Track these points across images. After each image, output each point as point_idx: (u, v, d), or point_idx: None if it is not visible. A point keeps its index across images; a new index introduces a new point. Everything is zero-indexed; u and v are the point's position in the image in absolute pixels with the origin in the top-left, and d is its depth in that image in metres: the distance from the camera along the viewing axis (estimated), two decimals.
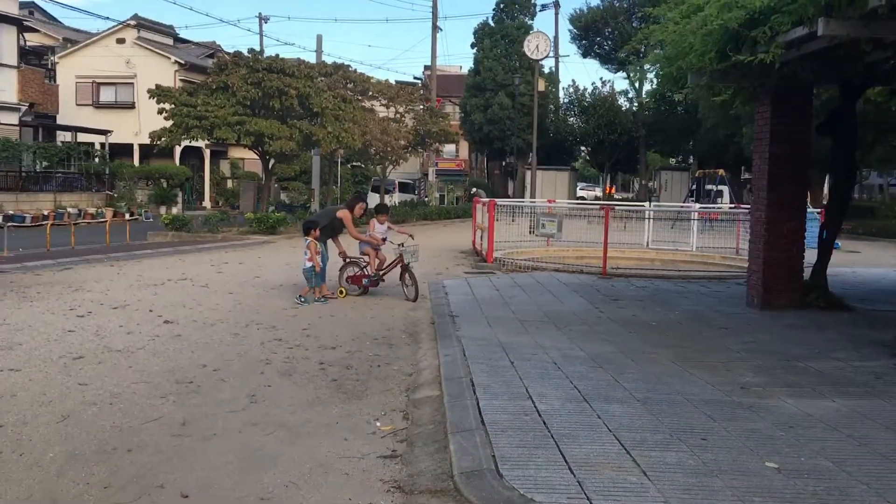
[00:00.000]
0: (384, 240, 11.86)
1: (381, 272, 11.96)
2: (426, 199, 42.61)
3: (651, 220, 21.00)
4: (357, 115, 26.58)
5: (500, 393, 6.09)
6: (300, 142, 24.24)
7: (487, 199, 17.60)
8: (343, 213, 11.83)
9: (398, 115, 33.23)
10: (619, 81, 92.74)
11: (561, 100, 54.03)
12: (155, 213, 33.81)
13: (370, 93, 31.17)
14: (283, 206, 31.81)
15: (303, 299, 11.17)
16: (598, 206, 21.10)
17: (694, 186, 35.96)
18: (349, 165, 42.70)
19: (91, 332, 8.84)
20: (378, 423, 5.74)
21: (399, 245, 11.57)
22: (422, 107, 34.92)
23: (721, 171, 34.90)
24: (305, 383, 6.87)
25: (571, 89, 53.84)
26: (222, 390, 6.59)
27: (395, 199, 41.74)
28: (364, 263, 11.94)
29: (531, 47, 28.44)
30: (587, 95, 51.64)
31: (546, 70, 52.10)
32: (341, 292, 11.82)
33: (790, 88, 10.34)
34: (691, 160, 57.98)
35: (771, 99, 10.52)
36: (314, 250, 11.30)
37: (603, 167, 55.41)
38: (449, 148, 57.26)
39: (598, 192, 71.88)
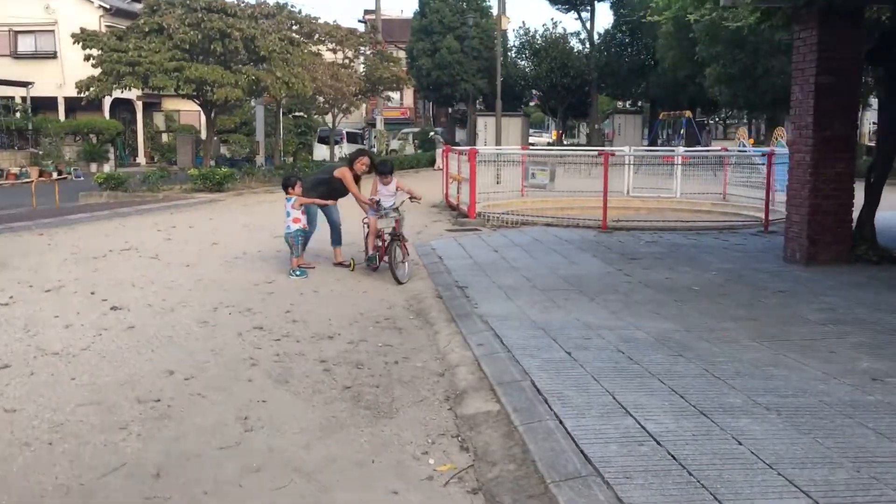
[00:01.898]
0: (394, 207, 9.32)
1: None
2: (375, 149, 40.54)
3: (630, 167, 19.64)
4: (306, 59, 24.42)
5: (582, 406, 4.55)
6: (246, 89, 22.07)
7: (467, 148, 15.89)
8: (342, 172, 9.89)
9: (346, 60, 31.00)
10: (570, 22, 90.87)
11: (511, 42, 52.12)
12: (85, 171, 31.18)
13: (317, 36, 28.85)
14: (225, 160, 29.55)
15: (299, 272, 9.44)
16: (579, 153, 19.63)
17: (682, 130, 34.37)
18: (291, 116, 40.25)
19: (18, 326, 7.00)
20: (430, 460, 4.17)
21: (387, 209, 9.33)
22: (371, 51, 32.67)
23: (687, 113, 33.75)
24: (310, 394, 5.24)
25: (522, 31, 51.91)
26: (202, 411, 4.91)
27: (343, 149, 39.66)
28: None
29: None
30: (538, 38, 49.76)
31: (494, 12, 50.02)
32: (348, 264, 9.92)
33: (840, 7, 8.90)
34: (639, 103, 56.97)
35: (818, 21, 9.05)
36: (299, 209, 9.58)
37: (555, 112, 53.90)
38: (393, 96, 55.00)
39: (547, 137, 70.67)
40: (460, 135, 59.12)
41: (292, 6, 26.29)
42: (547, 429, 4.21)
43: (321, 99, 30.49)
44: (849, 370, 5.32)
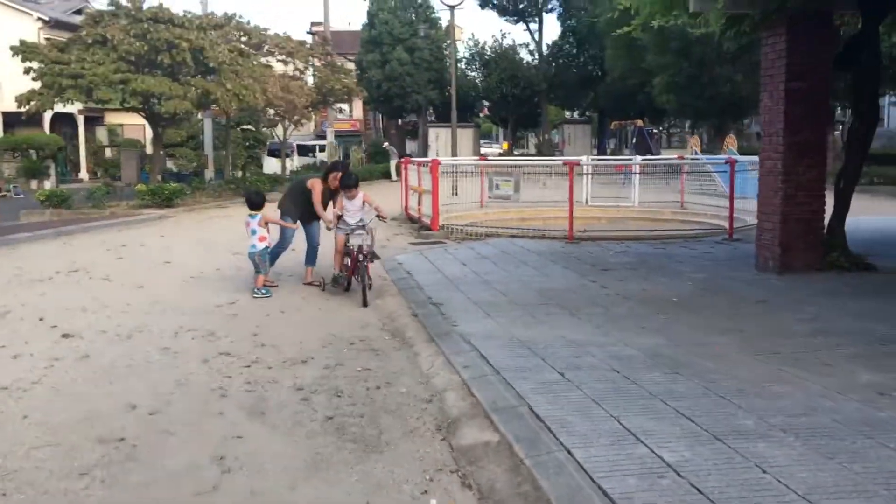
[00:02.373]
0: (362, 225, 8.67)
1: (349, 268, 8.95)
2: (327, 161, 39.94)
3: (589, 176, 19.54)
4: (257, 71, 23.84)
5: (589, 433, 4.25)
6: (195, 101, 21.40)
7: (430, 159, 15.58)
8: (312, 183, 9.44)
9: (297, 72, 30.45)
10: (519, 33, 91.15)
11: (461, 54, 52.06)
12: (25, 188, 30.00)
13: (266, 48, 28.28)
14: (172, 175, 28.73)
15: (264, 291, 8.97)
16: (544, 163, 19.49)
17: (634, 140, 34.45)
18: (239, 129, 39.47)
19: None
20: (432, 501, 3.81)
21: (355, 226, 8.70)
22: (321, 63, 32.14)
23: (639, 122, 33.97)
24: (290, 427, 4.84)
25: (471, 42, 51.90)
26: (172, 451, 4.48)
27: (294, 162, 39.07)
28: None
29: None
30: (488, 49, 49.82)
31: (443, 24, 49.94)
32: (318, 284, 9.41)
33: (809, 13, 8.84)
34: (587, 113, 57.41)
35: (787, 27, 8.97)
36: (265, 227, 9.11)
37: (506, 123, 53.97)
38: (344, 108, 54.39)
39: (497, 148, 70.79)
40: (411, 146, 58.85)
41: (240, 17, 25.72)
42: (557, 462, 3.89)
43: (271, 111, 29.88)
44: (850, 385, 5.12)
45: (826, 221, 9.64)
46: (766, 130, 9.48)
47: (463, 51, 52.14)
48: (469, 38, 51.42)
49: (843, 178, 9.68)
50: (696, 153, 25.05)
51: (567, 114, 66.79)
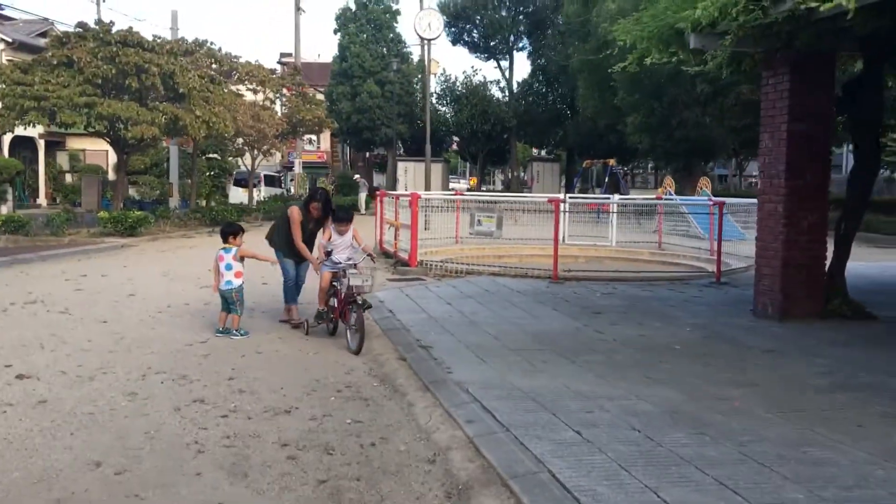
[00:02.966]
0: (352, 263, 7.88)
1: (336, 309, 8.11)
2: (294, 192, 39.34)
3: (567, 214, 19.22)
4: (227, 98, 23.30)
5: None
6: (163, 127, 20.74)
7: (410, 192, 15.11)
8: (291, 211, 8.77)
9: (267, 101, 29.96)
10: (490, 70, 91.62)
11: (432, 89, 52.02)
12: None
13: (237, 76, 27.79)
14: (135, 203, 27.91)
15: (243, 332, 8.26)
16: (514, 200, 19.15)
17: (606, 179, 34.37)
18: (204, 157, 38.73)
19: None
20: None
21: (347, 265, 7.88)
22: (292, 93, 31.70)
23: (612, 161, 33.94)
24: (277, 492, 4.26)
25: (442, 78, 51.93)
26: None
27: (261, 193, 38.35)
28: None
29: (423, 25, 26.05)
30: (459, 85, 49.83)
31: (415, 58, 49.90)
32: (300, 325, 8.63)
33: (813, 54, 8.60)
34: (555, 152, 57.59)
35: (791, 67, 8.72)
36: (241, 262, 8.38)
37: (476, 158, 53.89)
38: (313, 138, 53.83)
39: (464, 184, 70.72)
40: (378, 179, 58.45)
41: (212, 43, 25.21)
42: None
43: (240, 140, 29.29)
44: (892, 449, 4.70)
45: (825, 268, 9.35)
46: (765, 172, 9.18)
47: (434, 85, 52.16)
48: (440, 73, 51.41)
49: (845, 223, 9.39)
50: (670, 193, 24.92)
51: (535, 151, 67.09)
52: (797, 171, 8.82)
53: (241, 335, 8.18)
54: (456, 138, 54.14)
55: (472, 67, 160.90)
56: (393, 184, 48.16)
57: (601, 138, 42.90)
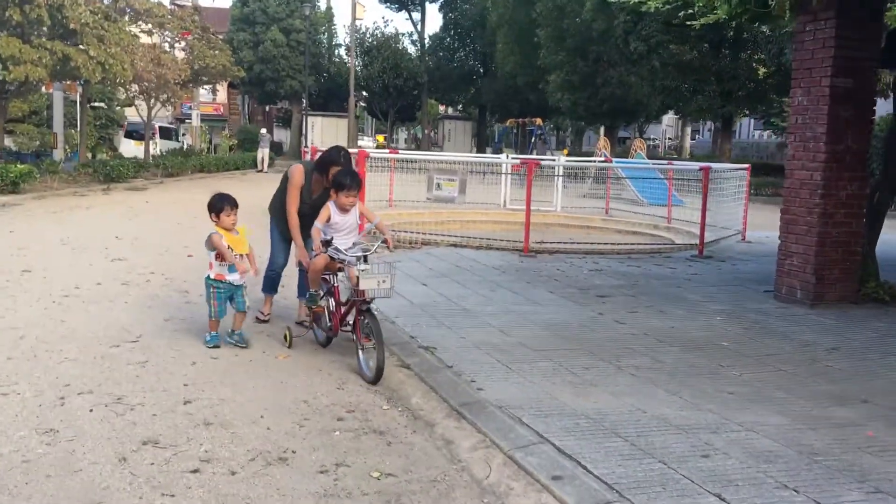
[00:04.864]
0: (363, 255, 5.51)
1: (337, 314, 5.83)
2: (193, 147, 36.37)
3: (508, 176, 17.85)
4: (125, 38, 20.62)
5: None
6: (51, 68, 18.02)
7: (357, 150, 13.28)
8: (293, 171, 6.36)
9: (167, 45, 27.13)
10: (402, 23, 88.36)
11: (340, 40, 49.58)
12: None
13: (130, 14, 24.88)
14: (12, 155, 24.75)
15: (237, 336, 6.07)
16: (487, 162, 17.61)
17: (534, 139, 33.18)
18: (89, 105, 35.22)
19: None
20: None
21: (356, 258, 5.48)
22: (195, 37, 28.81)
23: (539, 121, 32.77)
24: None
25: (351, 29, 49.40)
26: None
27: (157, 146, 35.29)
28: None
29: None
30: (369, 36, 47.50)
31: (322, 6, 47.20)
32: (285, 336, 6.20)
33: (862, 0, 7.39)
34: (466, 109, 56.16)
35: (836, 12, 7.47)
36: (222, 246, 5.88)
37: (386, 115, 51.80)
38: (206, 91, 50.31)
39: (370, 141, 68.55)
40: (280, 135, 55.58)
41: None
42: None
43: (136, 87, 26.38)
44: None
45: None
46: (797, 135, 7.96)
47: (344, 37, 49.70)
48: (349, 25, 48.92)
49: (879, 192, 8.25)
50: (604, 156, 23.89)
51: (441, 109, 65.49)
52: (838, 133, 7.64)
53: (235, 341, 6.08)
54: (365, 94, 51.90)
55: (384, 18, 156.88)
56: (298, 140, 45.71)
57: (517, 96, 41.71)
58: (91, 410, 4.59)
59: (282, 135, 56.71)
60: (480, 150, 47.45)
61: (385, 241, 5.91)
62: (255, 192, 23.08)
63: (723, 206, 14.05)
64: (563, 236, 13.43)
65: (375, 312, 5.40)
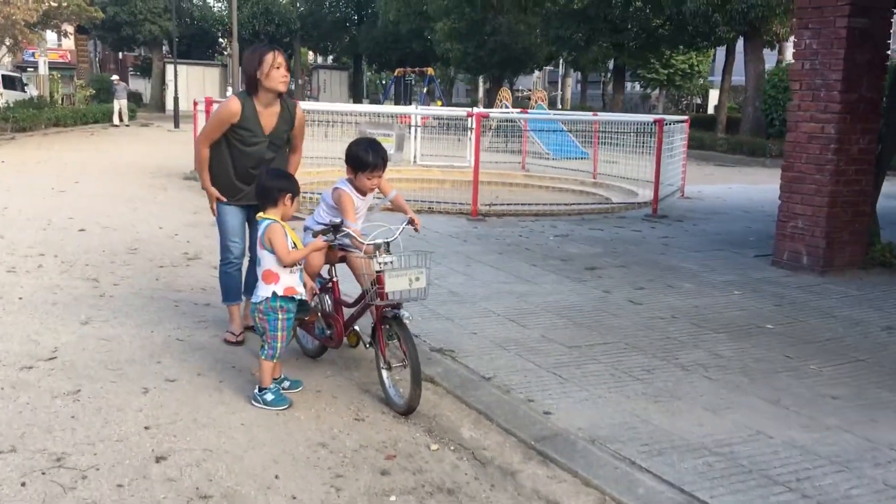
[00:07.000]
0: (384, 245, 4.04)
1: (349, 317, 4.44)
2: (44, 98, 32.69)
3: (418, 129, 16.58)
4: None
5: None
6: None
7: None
8: (225, 102, 4.82)
9: None
10: None
11: None
12: None
13: None
14: None
15: (280, 397, 4.02)
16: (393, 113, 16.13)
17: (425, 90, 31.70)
18: None
19: None
20: None
21: (374, 246, 4.00)
22: None
23: (430, 71, 31.40)
24: None
25: None
26: None
27: (3, 97, 31.50)
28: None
29: None
30: None
31: None
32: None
33: None
34: (343, 59, 53.87)
35: None
36: (282, 245, 3.91)
37: None
38: (50, 37, 45.65)
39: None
40: (137, 84, 51.52)
41: None
42: None
43: None
44: None
45: None
46: (805, 83, 7.14)
47: None
48: None
49: (882, 144, 7.54)
50: (506, 107, 22.95)
51: (311, 58, 62.75)
52: (854, 80, 6.88)
53: (278, 403, 4.00)
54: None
55: None
56: (160, 90, 42.39)
57: (398, 45, 40.11)
58: (23, 485, 3.12)
59: (139, 85, 52.61)
60: (357, 101, 45.62)
61: (411, 222, 4.39)
62: (137, 147, 20.69)
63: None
64: (489, 194, 12.38)
65: (407, 321, 4.03)
